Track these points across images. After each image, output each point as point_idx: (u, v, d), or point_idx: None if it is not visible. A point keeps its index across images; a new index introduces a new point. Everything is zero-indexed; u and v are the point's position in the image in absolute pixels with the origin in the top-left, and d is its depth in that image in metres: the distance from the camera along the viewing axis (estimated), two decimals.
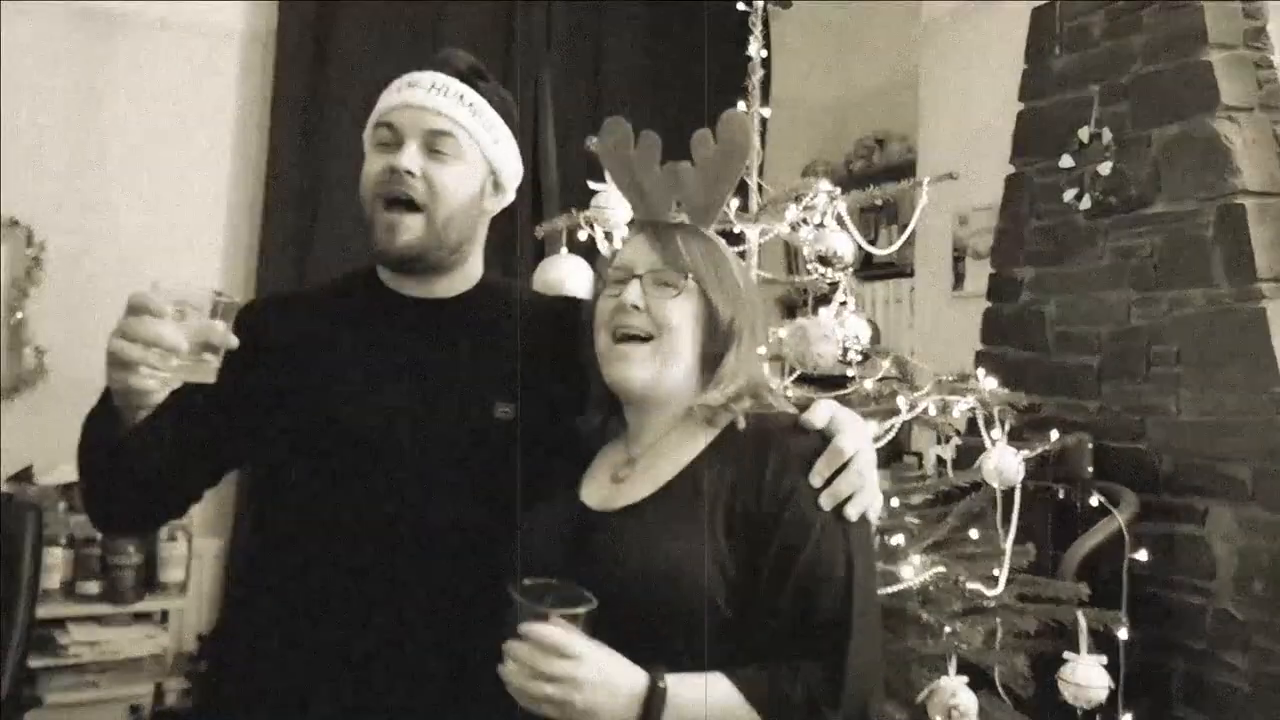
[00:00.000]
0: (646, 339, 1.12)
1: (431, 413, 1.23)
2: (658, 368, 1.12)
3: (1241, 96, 2.68)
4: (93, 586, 3.08)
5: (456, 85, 1.27)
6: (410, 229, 1.23)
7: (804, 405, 1.15)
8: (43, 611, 2.75)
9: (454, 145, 1.25)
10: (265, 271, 3.62)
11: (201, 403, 1.08)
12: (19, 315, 3.37)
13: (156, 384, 1.03)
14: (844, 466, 1.07)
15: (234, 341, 1.05)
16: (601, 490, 1.15)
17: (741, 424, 1.11)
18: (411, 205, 1.23)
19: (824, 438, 1.09)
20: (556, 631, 0.96)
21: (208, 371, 1.04)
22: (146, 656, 3.12)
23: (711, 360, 1.14)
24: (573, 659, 0.96)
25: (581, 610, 0.98)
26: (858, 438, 1.09)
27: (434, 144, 1.24)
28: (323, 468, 1.23)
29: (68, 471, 3.22)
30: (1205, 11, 2.70)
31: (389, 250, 1.24)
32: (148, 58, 3.57)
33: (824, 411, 1.11)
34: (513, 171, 1.35)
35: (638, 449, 1.16)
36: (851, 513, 1.06)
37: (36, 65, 3.43)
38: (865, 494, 1.08)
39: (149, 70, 3.57)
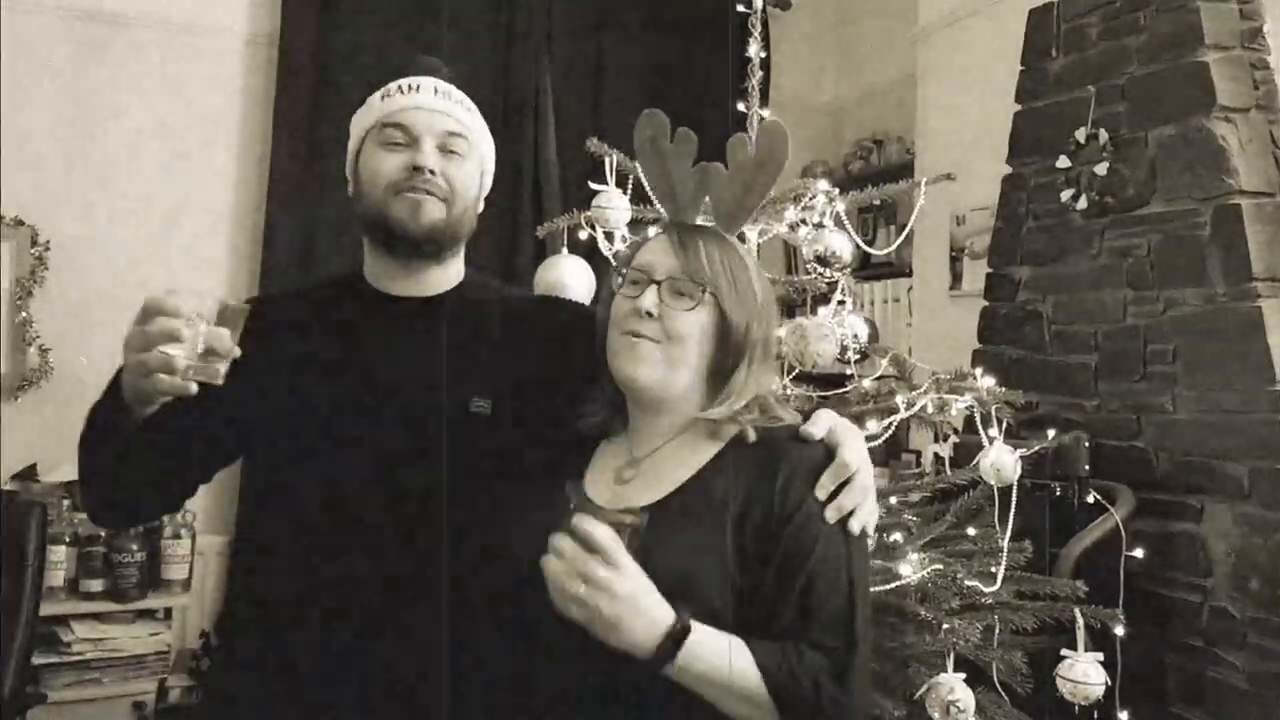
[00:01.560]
0: (656, 342, 1.12)
1: (417, 408, 1.25)
2: (666, 370, 1.12)
3: (1238, 97, 2.69)
4: (96, 584, 3.09)
5: (455, 90, 1.33)
6: (434, 210, 1.27)
7: (805, 412, 1.17)
8: (46, 609, 2.76)
9: (465, 145, 1.30)
10: (268, 271, 3.64)
11: (197, 400, 1.10)
12: (23, 314, 3.39)
13: (171, 384, 1.04)
14: (847, 481, 1.10)
15: (236, 351, 1.07)
16: (605, 491, 1.16)
17: (751, 437, 1.12)
18: (430, 194, 1.27)
19: (827, 449, 1.12)
20: (607, 534, 0.97)
21: (216, 374, 1.06)
22: (150, 653, 3.13)
23: (721, 371, 1.14)
24: (613, 567, 0.97)
25: (632, 520, 0.99)
26: (859, 451, 1.12)
27: (448, 144, 1.28)
28: (313, 464, 1.25)
29: (71, 470, 3.23)
30: (1202, 13, 2.71)
31: (414, 228, 1.26)
32: (151, 59, 3.59)
33: (824, 422, 1.14)
34: (492, 169, 1.40)
35: (641, 451, 1.17)
36: (855, 527, 1.09)
37: (41, 66, 3.44)
38: (866, 508, 1.11)
39: (152, 71, 3.59)
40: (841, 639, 1.05)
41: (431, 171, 1.26)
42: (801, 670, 1.02)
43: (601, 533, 0.97)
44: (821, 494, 1.08)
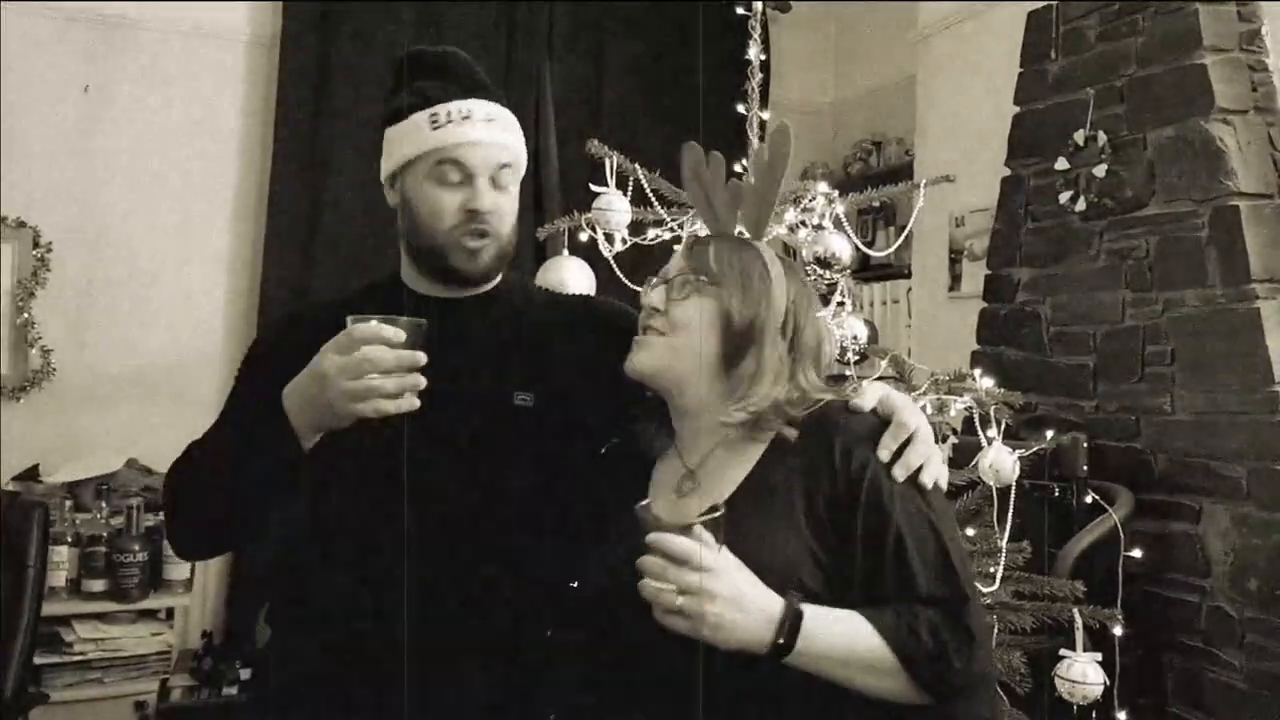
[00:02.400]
0: (662, 334, 1.17)
1: (465, 405, 1.26)
2: (666, 358, 1.16)
3: (1236, 99, 2.70)
4: (98, 584, 3.08)
5: (503, 113, 1.32)
6: (487, 252, 1.29)
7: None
8: (49, 609, 2.77)
9: (512, 175, 1.32)
10: (269, 273, 3.64)
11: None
12: (25, 315, 3.39)
13: (389, 405, 1.08)
14: (909, 440, 1.10)
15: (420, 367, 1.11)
16: (668, 507, 1.15)
17: (791, 436, 1.12)
18: (484, 234, 1.28)
19: (876, 417, 1.13)
20: (681, 540, 0.97)
21: (415, 397, 1.11)
22: (152, 653, 3.12)
23: (731, 362, 1.16)
24: (703, 570, 0.96)
25: (705, 518, 0.98)
26: (916, 413, 1.14)
27: (499, 178, 1.30)
28: (362, 468, 1.25)
29: (73, 470, 3.24)
30: (1200, 14, 2.72)
31: (472, 273, 1.30)
32: (153, 61, 3.60)
33: (873, 393, 1.16)
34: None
35: (692, 462, 1.19)
36: (926, 479, 1.10)
37: (43, 68, 3.45)
38: (935, 463, 1.12)
39: (155, 73, 3.60)
40: (947, 587, 1.04)
41: (487, 213, 1.28)
42: (920, 626, 1.02)
43: (678, 541, 0.97)
44: (885, 454, 1.09)
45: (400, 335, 1.09)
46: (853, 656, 1.01)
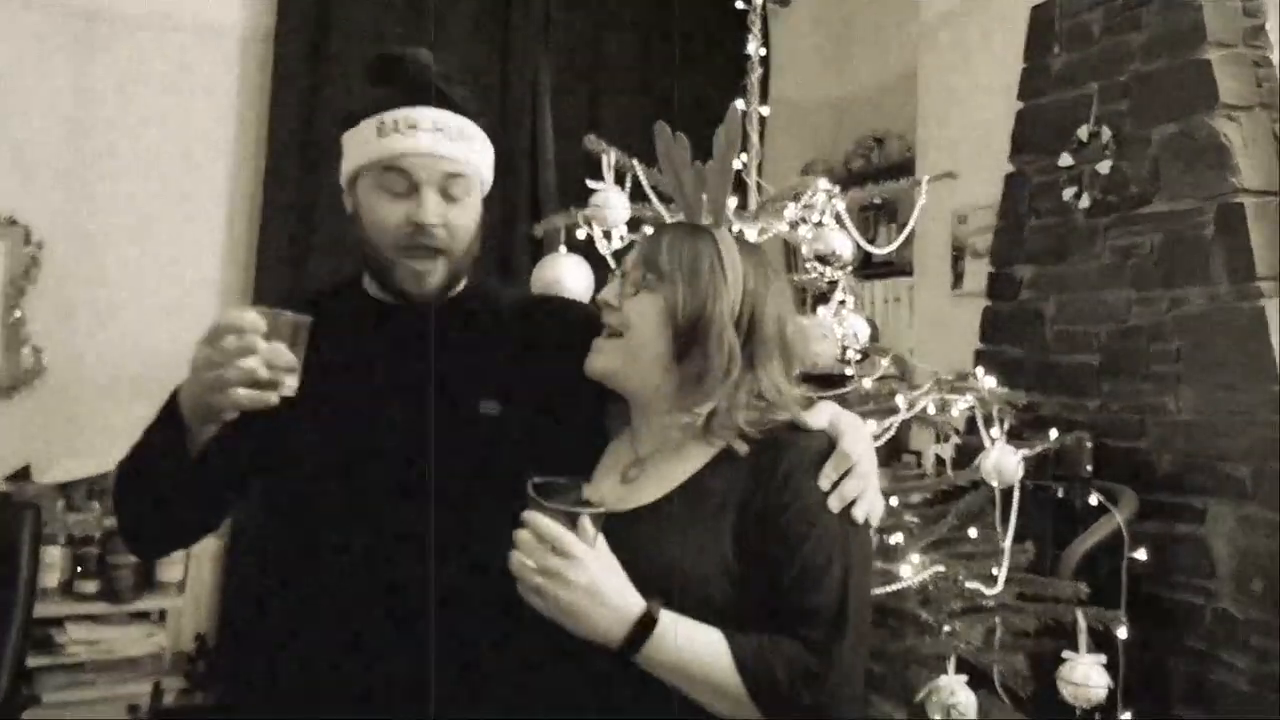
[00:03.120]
0: (619, 334, 1.16)
1: (424, 413, 1.24)
2: (619, 361, 1.16)
3: (1241, 95, 2.68)
4: (91, 585, 3.08)
5: (453, 120, 1.27)
6: (435, 273, 1.26)
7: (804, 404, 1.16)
8: (40, 610, 2.76)
9: (464, 185, 1.27)
10: (263, 270, 3.62)
11: (244, 418, 1.11)
12: (17, 313, 3.37)
13: (252, 397, 1.06)
14: (849, 471, 1.09)
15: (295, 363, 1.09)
16: (613, 490, 1.17)
17: (741, 450, 1.11)
18: (434, 251, 1.25)
19: (829, 439, 1.12)
20: (554, 525, 1.00)
21: (290, 386, 1.09)
22: (144, 655, 3.13)
23: (681, 360, 1.14)
24: (566, 557, 0.99)
25: (590, 512, 1.01)
26: (861, 442, 1.12)
27: (448, 188, 1.25)
28: (321, 474, 1.25)
29: (65, 470, 3.22)
30: (1205, 10, 2.70)
31: (418, 295, 1.26)
32: (146, 56, 3.58)
33: (824, 413, 1.14)
34: (490, 174, 1.36)
35: (644, 450, 1.19)
36: (858, 515, 1.09)
37: (35, 63, 3.43)
38: (869, 497, 1.11)
39: (148, 69, 3.58)
40: (828, 628, 1.04)
41: (434, 225, 1.24)
42: (778, 662, 1.02)
43: (546, 524, 1.00)
44: (825, 483, 1.08)
45: (261, 325, 1.06)
46: (700, 674, 1.02)
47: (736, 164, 1.27)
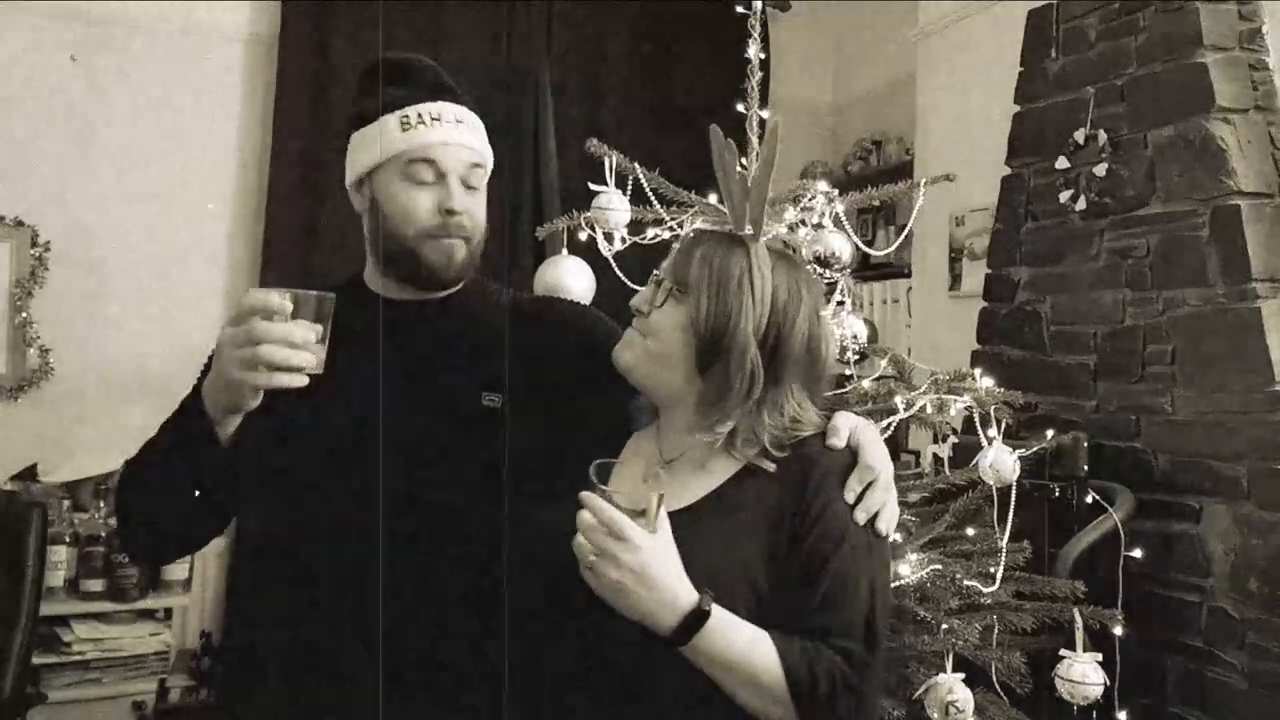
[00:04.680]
0: (644, 336, 1.17)
1: (427, 408, 1.27)
2: (642, 360, 1.17)
3: (1237, 98, 2.69)
4: (96, 584, 3.09)
5: (469, 115, 1.34)
6: (460, 254, 1.31)
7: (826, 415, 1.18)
8: (47, 609, 2.77)
9: (481, 175, 1.33)
10: (268, 272, 3.64)
11: (263, 410, 1.13)
12: (23, 315, 3.39)
13: (282, 378, 1.07)
14: (872, 483, 1.12)
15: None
16: (631, 485, 1.17)
17: (769, 468, 1.12)
18: (460, 237, 1.30)
19: (851, 450, 1.14)
20: (608, 508, 1.01)
21: (319, 364, 1.10)
22: (150, 653, 3.13)
23: (704, 373, 1.14)
24: (621, 540, 0.99)
25: (644, 507, 1.02)
26: (881, 453, 1.15)
27: (469, 178, 1.31)
28: (326, 470, 1.26)
29: (71, 469, 3.24)
30: (1201, 13, 2.71)
31: (445, 272, 1.30)
32: (152, 60, 3.60)
33: (845, 428, 1.15)
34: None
35: (669, 454, 1.19)
36: (882, 528, 1.11)
37: (41, 66, 3.45)
38: (890, 509, 1.13)
39: (153, 72, 3.59)
40: (861, 640, 1.06)
41: (460, 213, 1.29)
42: (820, 668, 1.03)
43: (602, 506, 1.00)
44: (850, 496, 1.11)
45: (287, 305, 1.07)
46: (744, 671, 1.03)
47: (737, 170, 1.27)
